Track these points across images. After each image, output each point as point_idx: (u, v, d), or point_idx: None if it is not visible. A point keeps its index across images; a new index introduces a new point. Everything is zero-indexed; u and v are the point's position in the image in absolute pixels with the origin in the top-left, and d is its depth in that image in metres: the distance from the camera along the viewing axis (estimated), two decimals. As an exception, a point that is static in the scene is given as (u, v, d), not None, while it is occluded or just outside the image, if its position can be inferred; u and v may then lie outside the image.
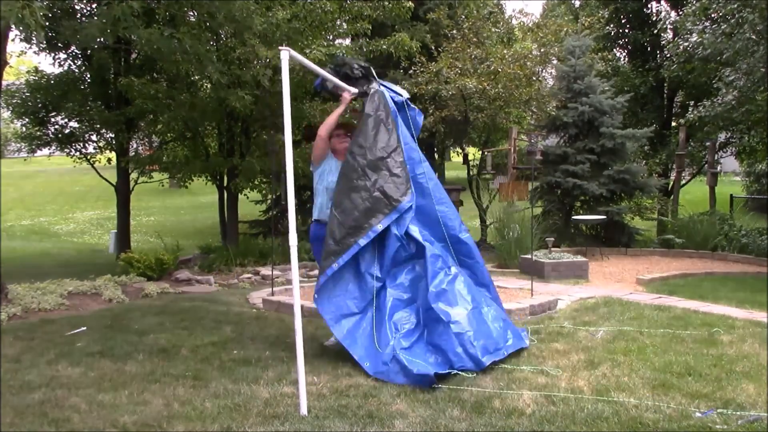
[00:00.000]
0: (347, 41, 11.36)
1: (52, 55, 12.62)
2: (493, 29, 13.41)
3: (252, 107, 9.97)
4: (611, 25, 17.23)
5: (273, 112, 11.06)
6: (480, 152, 15.91)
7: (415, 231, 4.91)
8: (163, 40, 7.82)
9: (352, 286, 4.81)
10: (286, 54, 3.90)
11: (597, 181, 11.58)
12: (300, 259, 4.32)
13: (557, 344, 5.25)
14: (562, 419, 3.61)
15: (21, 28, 5.15)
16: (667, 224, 12.51)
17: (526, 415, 3.68)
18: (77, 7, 10.71)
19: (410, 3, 10.63)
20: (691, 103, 13.15)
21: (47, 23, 5.28)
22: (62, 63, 12.80)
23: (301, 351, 3.78)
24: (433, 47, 12.54)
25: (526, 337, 5.10)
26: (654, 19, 12.27)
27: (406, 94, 5.35)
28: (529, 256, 8.93)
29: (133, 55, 12.62)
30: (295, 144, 11.91)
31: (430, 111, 11.91)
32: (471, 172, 15.23)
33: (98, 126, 12.89)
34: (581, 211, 12.19)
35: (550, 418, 3.63)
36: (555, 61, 13.19)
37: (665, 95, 17.91)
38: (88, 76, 12.91)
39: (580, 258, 9.35)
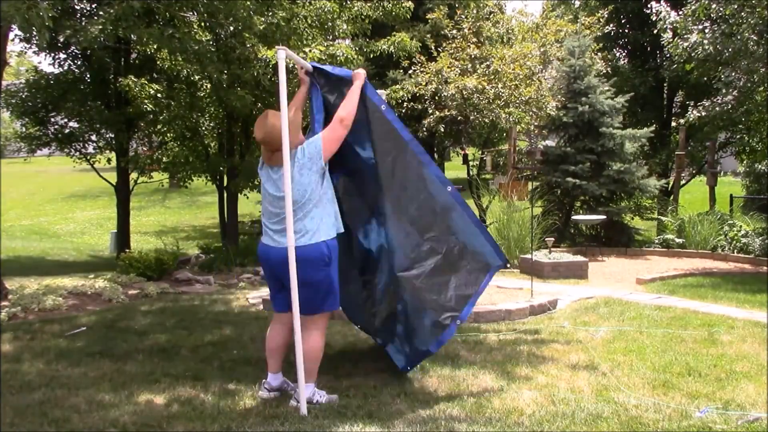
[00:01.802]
0: (347, 41, 11.34)
1: (52, 55, 12.61)
2: (493, 29, 13.39)
3: (252, 107, 9.97)
4: (611, 25, 17.23)
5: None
6: (480, 152, 15.91)
7: None
8: (164, 39, 7.82)
9: None
10: (282, 53, 3.90)
11: (597, 181, 11.58)
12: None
13: (557, 344, 5.26)
14: (562, 419, 3.61)
15: (26, 27, 5.13)
16: (666, 224, 12.51)
17: (526, 415, 3.68)
18: (77, 7, 10.70)
19: (410, 3, 10.62)
20: (691, 103, 13.14)
21: (50, 25, 5.26)
22: (62, 63, 12.79)
23: (301, 351, 3.78)
24: (433, 47, 12.53)
25: None
26: (654, 19, 12.26)
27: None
28: (529, 256, 8.94)
29: (133, 55, 12.62)
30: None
31: (430, 111, 11.91)
32: (471, 172, 15.23)
33: (98, 126, 12.87)
34: (581, 211, 12.19)
35: (550, 418, 3.63)
36: (555, 62, 13.20)
37: (665, 95, 17.91)
38: (88, 76, 12.90)
39: (579, 258, 9.35)
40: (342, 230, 4.04)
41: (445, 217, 4.38)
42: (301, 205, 3.82)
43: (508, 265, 4.52)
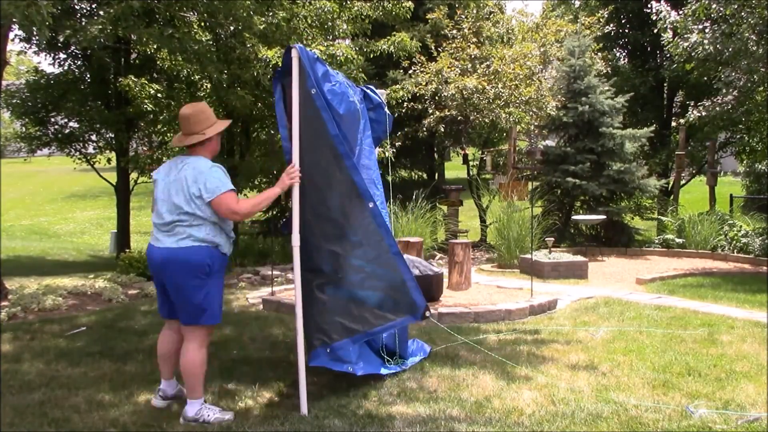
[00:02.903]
0: (347, 41, 11.34)
1: (52, 55, 12.62)
2: (493, 29, 13.38)
3: (252, 107, 9.97)
4: (611, 25, 17.23)
5: (273, 111, 11.07)
6: (480, 152, 15.90)
7: None
8: (163, 39, 7.82)
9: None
10: (296, 52, 3.85)
11: (597, 181, 11.58)
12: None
13: (557, 344, 5.26)
14: (562, 419, 3.61)
15: (26, 24, 5.14)
16: (666, 224, 12.51)
17: (526, 415, 3.68)
18: (77, 7, 10.71)
19: (410, 3, 10.62)
20: (691, 103, 13.14)
21: (50, 22, 5.27)
22: (62, 63, 12.79)
23: (302, 351, 3.78)
24: (433, 47, 12.53)
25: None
26: (654, 19, 12.26)
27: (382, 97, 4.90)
28: (529, 256, 8.93)
29: (133, 55, 12.62)
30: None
31: (430, 111, 11.91)
32: (471, 172, 15.22)
33: (98, 126, 12.88)
34: (581, 211, 12.18)
35: (550, 418, 3.63)
36: (555, 62, 13.20)
37: (665, 95, 17.90)
38: (88, 76, 12.90)
39: (579, 258, 9.35)
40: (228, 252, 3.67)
41: (361, 239, 3.97)
42: (185, 213, 3.55)
43: (428, 315, 4.06)
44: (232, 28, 8.69)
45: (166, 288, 3.65)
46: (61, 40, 9.22)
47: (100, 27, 7.10)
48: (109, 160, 13.48)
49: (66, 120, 13.05)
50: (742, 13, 9.72)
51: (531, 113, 11.72)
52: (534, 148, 13.66)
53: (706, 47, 10.27)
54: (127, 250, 10.03)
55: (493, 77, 11.54)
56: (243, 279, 8.77)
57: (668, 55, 14.56)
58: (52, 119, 12.97)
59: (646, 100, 17.03)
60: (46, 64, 56.58)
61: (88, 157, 13.44)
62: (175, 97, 10.94)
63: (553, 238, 9.93)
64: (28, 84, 12.59)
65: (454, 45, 12.17)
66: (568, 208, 12.42)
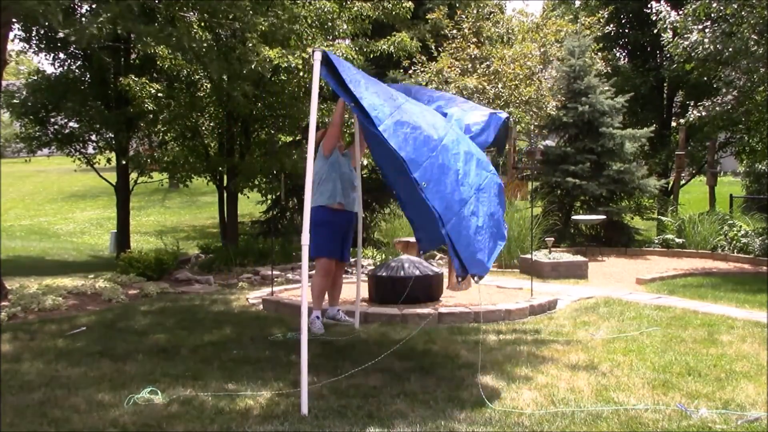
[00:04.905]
0: (347, 41, 11.34)
1: (52, 55, 12.62)
2: (493, 29, 13.37)
3: (252, 106, 9.98)
4: (611, 25, 17.21)
5: (273, 111, 11.07)
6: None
7: None
8: (162, 37, 7.82)
9: None
10: (318, 54, 3.89)
11: (597, 181, 11.59)
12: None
13: (557, 344, 5.26)
14: (562, 419, 3.61)
15: (39, 9, 5.17)
16: (666, 224, 12.51)
17: (526, 414, 3.68)
18: (76, 6, 10.71)
19: (410, 3, 10.62)
20: (691, 103, 13.13)
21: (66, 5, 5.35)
22: (62, 63, 12.80)
23: (305, 350, 3.78)
24: (433, 47, 12.52)
25: None
26: (654, 19, 12.25)
27: None
28: (528, 256, 8.93)
29: (133, 55, 12.62)
30: (296, 143, 11.89)
31: (430, 111, 11.90)
32: (471, 172, 15.20)
33: (98, 126, 12.88)
34: (581, 211, 12.18)
35: (550, 418, 3.63)
36: (555, 62, 13.19)
37: (665, 95, 17.89)
38: (88, 76, 12.90)
39: (579, 258, 9.35)
40: None
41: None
42: None
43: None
44: (236, 26, 8.69)
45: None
46: (61, 36, 9.23)
47: (99, 26, 7.09)
48: (109, 160, 13.47)
49: (66, 120, 13.05)
50: (743, 13, 9.71)
51: (531, 113, 11.71)
52: (534, 148, 13.67)
53: (706, 46, 10.25)
54: (127, 250, 10.03)
55: (493, 77, 11.53)
56: (243, 279, 8.77)
57: (668, 55, 14.53)
58: (52, 119, 12.96)
59: (646, 100, 17.01)
60: (47, 64, 56.60)
61: (88, 157, 13.44)
62: (175, 96, 10.95)
63: (553, 238, 9.93)
64: (28, 84, 12.59)
65: (454, 45, 12.16)
66: (568, 208, 12.42)
